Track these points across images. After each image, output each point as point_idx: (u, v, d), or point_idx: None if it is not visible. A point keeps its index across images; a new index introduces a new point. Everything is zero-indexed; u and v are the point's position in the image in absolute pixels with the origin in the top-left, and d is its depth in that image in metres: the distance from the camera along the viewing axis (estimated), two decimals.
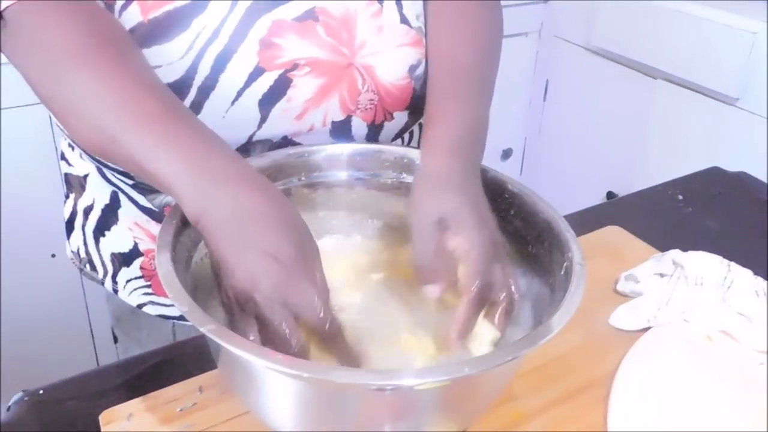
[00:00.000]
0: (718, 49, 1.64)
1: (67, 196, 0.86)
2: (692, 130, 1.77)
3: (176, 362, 0.69)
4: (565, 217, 0.64)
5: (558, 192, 2.13)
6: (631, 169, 1.94)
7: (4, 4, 0.59)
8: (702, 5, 1.68)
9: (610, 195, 2.01)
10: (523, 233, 0.66)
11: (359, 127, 0.75)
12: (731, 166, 1.12)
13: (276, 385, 0.53)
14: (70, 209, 0.85)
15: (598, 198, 2.02)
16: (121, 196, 0.79)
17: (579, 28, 2.04)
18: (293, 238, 0.55)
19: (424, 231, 0.61)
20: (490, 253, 0.59)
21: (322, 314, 0.54)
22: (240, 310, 0.54)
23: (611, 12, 1.90)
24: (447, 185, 0.62)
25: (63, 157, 0.85)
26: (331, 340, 0.56)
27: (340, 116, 0.73)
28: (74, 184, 0.84)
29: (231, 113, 0.69)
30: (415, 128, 0.85)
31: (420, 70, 0.75)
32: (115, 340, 1.01)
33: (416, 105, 0.77)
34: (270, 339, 0.54)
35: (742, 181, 1.09)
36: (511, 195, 0.68)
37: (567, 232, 0.61)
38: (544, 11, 2.15)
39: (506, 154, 2.29)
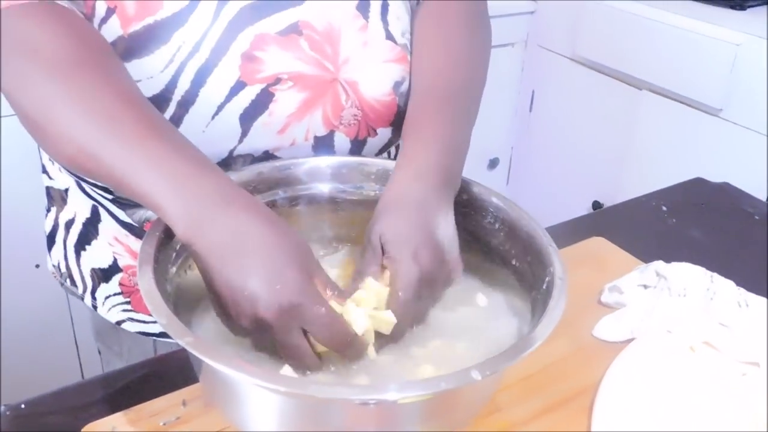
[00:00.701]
0: (702, 61, 1.66)
1: (48, 210, 0.85)
2: (676, 140, 1.78)
3: (160, 376, 0.69)
4: (551, 228, 0.64)
5: (544, 202, 2.14)
6: (617, 178, 1.95)
7: None
8: (686, 17, 1.70)
9: (596, 204, 2.02)
10: (507, 247, 0.67)
11: (342, 142, 0.74)
12: (714, 176, 1.12)
13: (255, 399, 0.53)
14: (52, 223, 0.84)
15: (583, 207, 2.03)
16: (101, 210, 0.78)
17: (565, 39, 2.05)
18: (296, 260, 0.55)
19: (368, 247, 0.62)
20: (416, 289, 0.60)
21: (337, 331, 0.55)
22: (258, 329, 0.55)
23: (597, 23, 1.92)
24: (397, 211, 0.61)
25: (44, 170, 0.84)
26: (348, 350, 0.57)
27: (322, 131, 0.72)
28: (56, 198, 0.83)
29: (211, 128, 0.68)
30: (400, 143, 0.85)
31: (405, 87, 0.75)
32: (100, 351, 1.00)
33: (400, 121, 0.76)
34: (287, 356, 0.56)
35: (725, 191, 1.09)
36: (495, 209, 0.68)
37: (549, 246, 0.62)
38: (530, 22, 2.16)
39: (493, 163, 2.30)
